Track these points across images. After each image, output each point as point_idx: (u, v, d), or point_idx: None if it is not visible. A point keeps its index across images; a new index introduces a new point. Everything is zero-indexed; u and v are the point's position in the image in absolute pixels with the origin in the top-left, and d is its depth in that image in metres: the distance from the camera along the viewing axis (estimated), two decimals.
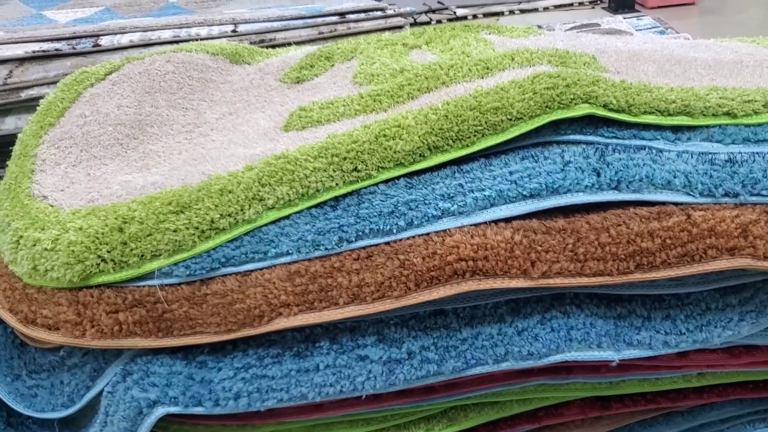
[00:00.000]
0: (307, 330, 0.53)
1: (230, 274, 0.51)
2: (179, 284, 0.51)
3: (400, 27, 0.91)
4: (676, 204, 0.51)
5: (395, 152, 0.54)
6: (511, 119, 0.54)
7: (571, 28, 1.95)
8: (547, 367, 0.54)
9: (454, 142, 0.54)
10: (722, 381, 0.61)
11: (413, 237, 0.51)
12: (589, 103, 0.55)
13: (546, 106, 0.54)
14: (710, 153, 0.54)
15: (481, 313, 0.53)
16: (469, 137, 0.54)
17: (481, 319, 0.53)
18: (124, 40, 0.88)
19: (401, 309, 0.51)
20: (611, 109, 0.55)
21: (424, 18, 2.72)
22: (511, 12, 2.78)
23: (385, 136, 0.54)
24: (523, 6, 2.81)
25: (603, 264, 0.49)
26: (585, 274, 0.49)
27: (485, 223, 0.51)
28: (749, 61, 0.73)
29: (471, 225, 0.51)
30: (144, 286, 0.51)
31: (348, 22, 0.91)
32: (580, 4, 2.82)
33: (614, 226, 0.50)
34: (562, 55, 0.64)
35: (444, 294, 0.49)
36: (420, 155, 0.54)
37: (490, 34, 0.75)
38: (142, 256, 0.50)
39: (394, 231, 0.50)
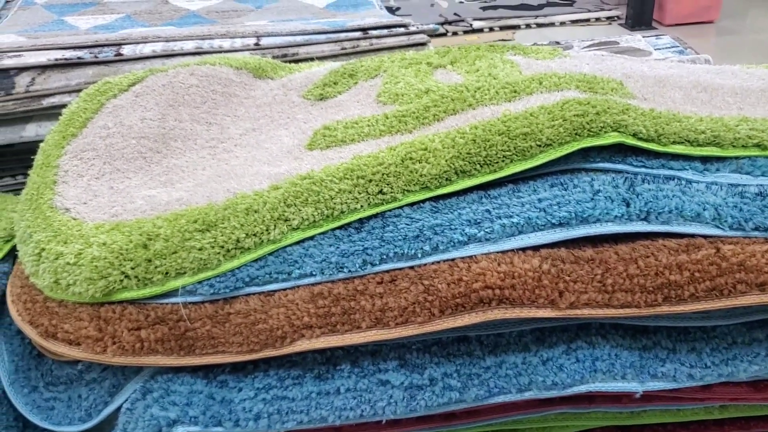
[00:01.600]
0: (328, 352, 0.52)
1: (254, 294, 0.51)
2: (203, 302, 0.51)
3: (423, 44, 0.91)
4: (705, 237, 0.51)
5: (421, 176, 0.53)
6: (540, 145, 0.54)
7: (590, 46, 1.95)
8: (569, 397, 0.53)
9: (481, 166, 0.54)
10: (745, 414, 0.60)
11: (438, 262, 0.50)
12: (619, 131, 0.54)
13: (575, 134, 0.54)
14: (740, 185, 0.54)
15: (506, 341, 0.52)
16: (497, 162, 0.54)
17: (506, 347, 0.52)
18: (147, 49, 0.88)
19: (424, 335, 0.51)
20: (641, 138, 0.55)
21: (440, 30, 2.73)
22: (528, 26, 2.78)
23: (411, 159, 0.54)
24: (540, 20, 2.81)
25: (631, 296, 0.49)
26: (613, 305, 0.49)
27: (512, 250, 0.50)
28: None
29: (498, 252, 0.50)
30: (167, 304, 0.51)
31: (371, 38, 0.91)
32: (597, 20, 2.82)
33: (643, 258, 0.49)
34: (589, 80, 0.63)
35: (469, 322, 0.49)
36: (446, 179, 0.54)
37: (515, 55, 0.75)
38: (167, 273, 0.50)
39: (419, 255, 0.50)
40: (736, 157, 0.56)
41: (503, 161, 0.54)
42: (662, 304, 0.49)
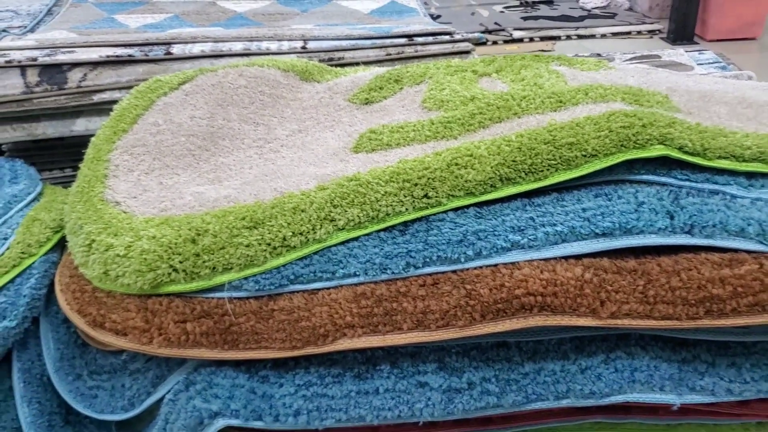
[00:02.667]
0: (368, 352, 0.53)
1: (298, 292, 0.52)
2: (248, 298, 0.52)
3: (467, 52, 0.91)
4: (748, 252, 0.50)
5: (466, 181, 0.54)
6: (585, 155, 0.54)
7: (631, 59, 1.94)
8: (606, 406, 0.53)
9: (526, 174, 0.54)
10: None
11: (481, 267, 0.51)
12: (665, 144, 0.54)
13: (621, 145, 0.54)
14: None
15: (545, 348, 0.53)
16: (542, 171, 0.54)
17: (545, 354, 0.52)
18: (196, 49, 0.90)
19: (465, 339, 0.51)
20: (686, 152, 0.55)
21: (483, 39, 2.73)
22: (568, 37, 2.77)
23: (457, 164, 0.55)
24: (581, 32, 2.80)
25: (672, 308, 0.49)
26: (654, 317, 0.49)
27: (555, 258, 0.51)
28: None
29: (540, 259, 0.51)
30: (213, 298, 0.52)
31: (416, 44, 0.92)
32: (639, 33, 2.80)
33: (685, 271, 0.49)
34: (635, 92, 0.64)
35: (509, 327, 0.49)
36: (491, 186, 0.54)
37: (560, 65, 0.75)
38: (214, 268, 0.51)
39: (462, 260, 0.51)
40: None
41: (548, 170, 0.54)
42: (704, 317, 0.49)
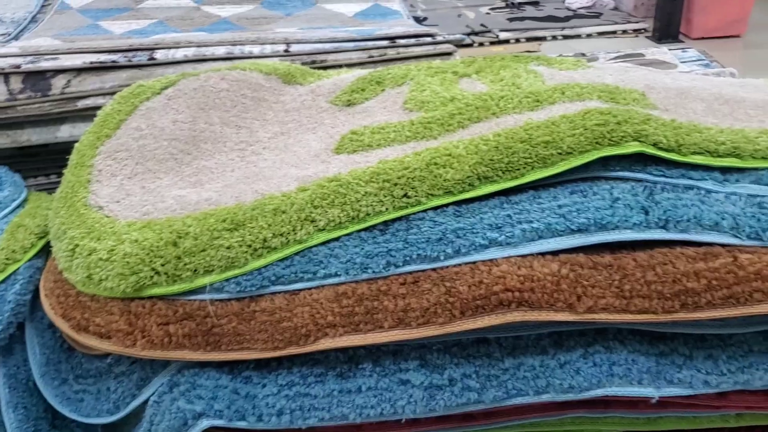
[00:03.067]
0: (350, 351, 0.54)
1: (279, 293, 0.52)
2: (229, 300, 0.52)
3: (449, 54, 0.92)
4: (723, 245, 0.51)
5: (445, 180, 0.55)
6: (561, 153, 0.55)
7: (615, 58, 1.95)
8: (586, 400, 0.54)
9: (503, 173, 0.55)
10: (760, 423, 0.60)
11: (460, 265, 0.51)
12: (640, 141, 0.55)
13: (596, 142, 0.55)
14: (759, 196, 0.54)
15: (524, 343, 0.53)
16: (518, 169, 0.55)
17: (524, 349, 0.53)
18: (179, 54, 0.91)
19: (445, 336, 0.52)
20: (661, 148, 0.56)
21: (466, 40, 2.74)
22: (554, 37, 2.78)
23: (436, 164, 0.55)
24: (566, 32, 2.81)
25: (648, 302, 0.49)
26: (630, 311, 0.50)
27: (532, 255, 0.51)
28: None
29: (518, 256, 0.51)
30: (195, 300, 0.52)
31: (398, 46, 0.92)
32: (624, 32, 2.81)
33: (660, 265, 0.50)
34: (611, 90, 0.64)
35: (489, 323, 0.50)
36: (469, 185, 0.55)
37: (539, 65, 0.76)
38: (195, 270, 0.52)
39: (441, 258, 0.51)
40: (756, 169, 0.57)
41: (525, 168, 0.55)
42: (679, 310, 0.49)
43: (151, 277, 0.52)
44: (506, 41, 2.74)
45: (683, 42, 2.64)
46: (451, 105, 0.66)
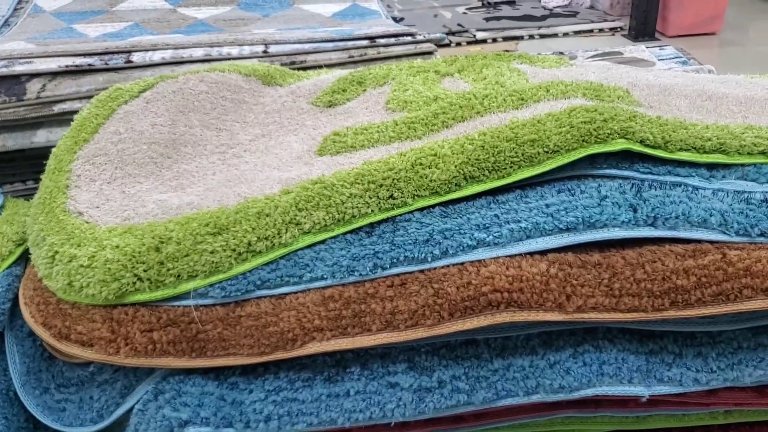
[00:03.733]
0: (338, 355, 0.53)
1: (265, 297, 0.51)
2: (214, 305, 0.51)
3: (430, 53, 0.92)
4: (711, 242, 0.51)
5: (431, 181, 0.54)
6: (547, 152, 0.54)
7: (594, 56, 1.96)
8: (576, 400, 0.54)
9: (490, 172, 0.54)
10: (748, 419, 0.61)
11: (448, 266, 0.51)
12: (626, 138, 0.55)
13: (583, 140, 0.55)
14: (746, 192, 0.54)
15: (513, 344, 0.53)
16: (505, 168, 0.54)
17: (513, 350, 0.53)
18: (156, 57, 0.89)
19: (434, 338, 0.51)
20: (648, 145, 0.56)
21: (446, 40, 2.74)
22: (531, 36, 2.79)
23: (421, 164, 0.55)
24: (543, 31, 2.83)
25: (638, 300, 0.49)
26: (620, 309, 0.49)
27: (520, 254, 0.51)
28: None
29: (506, 256, 0.51)
30: (179, 306, 0.51)
31: (378, 46, 0.92)
32: (600, 31, 2.84)
33: (650, 263, 0.50)
34: (596, 88, 0.64)
35: (477, 324, 0.49)
36: (456, 185, 0.54)
37: (522, 63, 0.76)
38: (179, 276, 0.51)
39: (429, 259, 0.51)
40: (742, 165, 0.57)
41: (511, 167, 0.54)
42: (669, 308, 0.49)
43: (134, 283, 0.51)
44: (483, 41, 2.74)
45: (659, 40, 2.66)
46: (434, 104, 0.65)
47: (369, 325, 0.50)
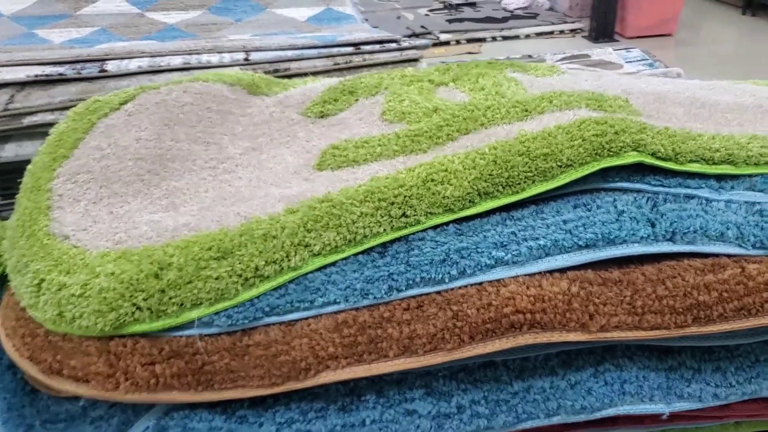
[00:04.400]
0: (352, 382, 0.51)
1: (274, 324, 0.49)
2: (220, 334, 0.48)
3: (415, 60, 0.90)
4: (729, 256, 0.51)
5: (444, 197, 0.52)
6: (561, 166, 0.53)
7: (562, 59, 1.97)
8: (594, 420, 0.53)
9: (504, 188, 0.53)
10: (758, 429, 0.60)
11: (466, 286, 0.49)
12: (638, 151, 0.54)
13: (596, 154, 0.53)
14: (757, 203, 0.54)
15: (532, 365, 0.51)
16: (519, 183, 0.53)
17: (533, 371, 0.51)
18: (132, 65, 0.85)
19: (453, 362, 0.49)
20: (659, 157, 0.55)
21: (429, 47, 2.73)
22: (494, 38, 2.80)
23: (433, 180, 0.53)
24: (505, 33, 2.84)
25: (661, 317, 0.48)
26: (643, 327, 0.48)
27: (540, 273, 0.49)
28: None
29: (525, 275, 0.49)
30: (182, 337, 0.48)
31: (363, 53, 0.89)
32: (561, 32, 2.86)
33: (670, 278, 0.49)
34: (597, 98, 0.63)
35: (499, 347, 0.47)
36: (470, 201, 0.52)
37: (516, 72, 0.75)
38: (182, 304, 0.48)
39: (446, 280, 0.49)
40: (750, 175, 0.57)
41: (525, 182, 0.53)
42: (692, 324, 0.48)
43: (133, 313, 0.48)
44: (447, 43, 2.74)
45: (619, 41, 2.70)
46: (435, 116, 0.63)
47: (386, 350, 0.48)
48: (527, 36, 2.81)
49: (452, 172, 0.53)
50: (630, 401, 0.50)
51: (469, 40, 2.76)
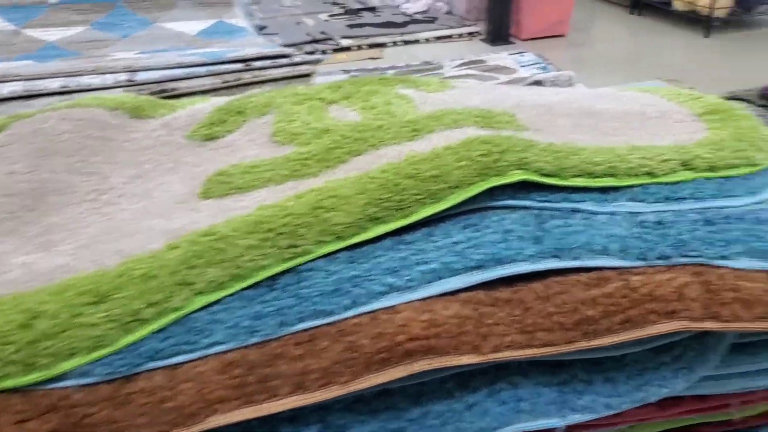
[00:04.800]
0: (243, 422, 0.49)
1: (158, 369, 0.46)
2: (99, 384, 0.45)
3: (308, 75, 0.88)
4: (613, 269, 0.52)
5: (334, 225, 0.51)
6: (450, 187, 0.53)
7: (460, 65, 2.00)
8: None
9: (395, 212, 0.52)
10: (651, 431, 0.62)
11: (359, 316, 0.48)
12: (523, 169, 0.55)
13: (482, 174, 0.54)
14: (639, 213, 0.55)
15: (429, 389, 0.51)
16: (409, 207, 0.52)
17: (430, 395, 0.51)
18: (5, 90, 0.80)
19: (348, 394, 0.48)
20: (544, 174, 0.55)
21: (308, 48, 2.71)
22: (395, 43, 2.82)
23: (322, 207, 0.51)
24: (405, 38, 2.86)
25: (551, 334, 0.49)
26: (534, 345, 0.49)
27: (432, 297, 0.49)
28: (652, 112, 0.76)
29: (418, 300, 0.49)
30: (58, 389, 0.45)
31: (253, 69, 0.87)
32: (459, 36, 2.91)
33: (558, 295, 0.50)
34: (485, 115, 0.64)
35: (394, 376, 0.47)
36: (360, 227, 0.51)
37: (407, 88, 0.74)
38: (56, 355, 0.45)
39: (339, 311, 0.48)
40: (631, 186, 0.58)
41: (415, 205, 0.52)
42: (581, 339, 0.49)
43: (3, 367, 0.44)
44: (348, 48, 2.74)
45: (515, 44, 2.77)
46: (326, 137, 0.62)
47: (277, 389, 0.46)
48: (427, 40, 2.84)
49: (342, 197, 0.52)
50: (525, 419, 0.51)
51: (371, 45, 2.76)
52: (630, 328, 0.50)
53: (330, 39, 2.78)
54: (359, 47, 2.73)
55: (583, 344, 0.49)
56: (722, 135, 0.66)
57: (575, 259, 0.51)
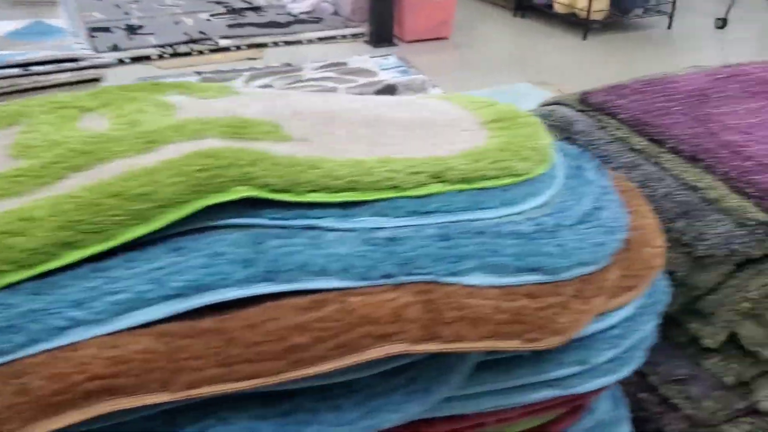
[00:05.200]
0: None
1: None
2: None
3: (96, 80, 0.83)
4: (335, 290, 0.49)
5: (19, 252, 0.46)
6: (159, 206, 0.49)
7: (321, 67, 1.96)
8: None
9: (92, 235, 0.48)
10: None
11: (36, 355, 0.43)
12: (248, 185, 0.51)
13: (198, 191, 0.50)
14: (374, 229, 0.53)
15: (129, 429, 0.47)
16: (109, 229, 0.48)
17: None
18: None
19: None
20: (273, 190, 0.52)
21: (184, 49, 2.62)
22: (276, 44, 2.77)
23: (9, 232, 0.47)
24: (288, 38, 2.81)
25: (254, 365, 0.46)
26: (235, 378, 0.45)
27: (121, 331, 0.45)
28: (441, 120, 0.74)
29: (107, 334, 0.45)
30: None
31: (32, 74, 0.81)
32: (343, 37, 2.88)
33: (267, 322, 0.47)
34: (238, 124, 0.60)
35: (71, 421, 0.42)
36: (50, 254, 0.47)
37: (179, 94, 0.70)
38: None
39: (11, 350, 0.43)
40: (376, 200, 0.56)
41: (117, 227, 0.48)
42: (289, 370, 0.46)
43: None
44: (227, 49, 2.67)
45: (397, 45, 2.76)
46: (55, 150, 0.57)
47: None
48: (310, 41, 2.80)
49: (34, 220, 0.47)
50: None
51: (250, 46, 2.70)
52: (345, 353, 0.47)
53: (208, 39, 2.70)
54: (238, 47, 2.67)
55: (292, 375, 0.47)
56: (492, 144, 0.65)
57: (291, 281, 0.48)
